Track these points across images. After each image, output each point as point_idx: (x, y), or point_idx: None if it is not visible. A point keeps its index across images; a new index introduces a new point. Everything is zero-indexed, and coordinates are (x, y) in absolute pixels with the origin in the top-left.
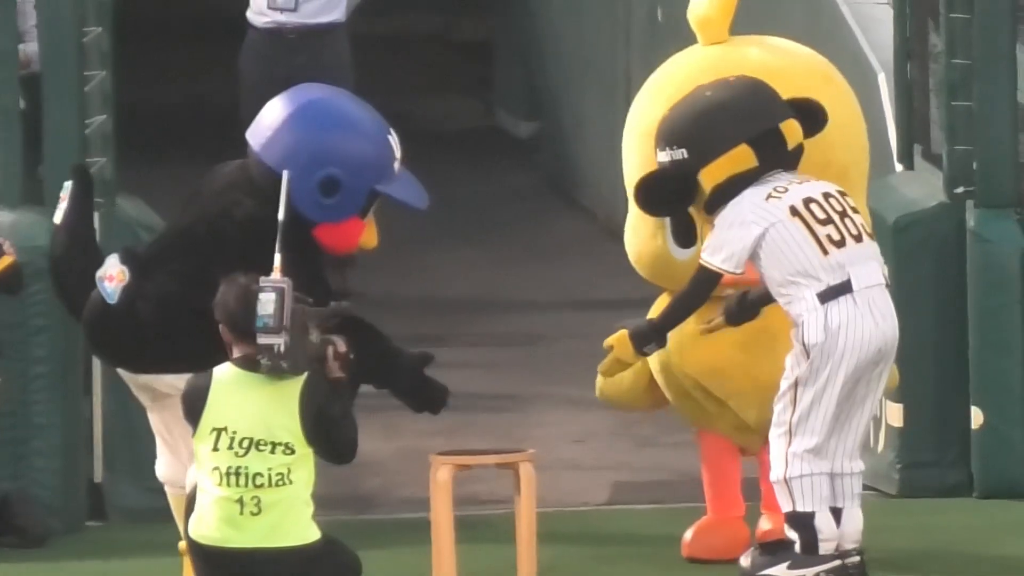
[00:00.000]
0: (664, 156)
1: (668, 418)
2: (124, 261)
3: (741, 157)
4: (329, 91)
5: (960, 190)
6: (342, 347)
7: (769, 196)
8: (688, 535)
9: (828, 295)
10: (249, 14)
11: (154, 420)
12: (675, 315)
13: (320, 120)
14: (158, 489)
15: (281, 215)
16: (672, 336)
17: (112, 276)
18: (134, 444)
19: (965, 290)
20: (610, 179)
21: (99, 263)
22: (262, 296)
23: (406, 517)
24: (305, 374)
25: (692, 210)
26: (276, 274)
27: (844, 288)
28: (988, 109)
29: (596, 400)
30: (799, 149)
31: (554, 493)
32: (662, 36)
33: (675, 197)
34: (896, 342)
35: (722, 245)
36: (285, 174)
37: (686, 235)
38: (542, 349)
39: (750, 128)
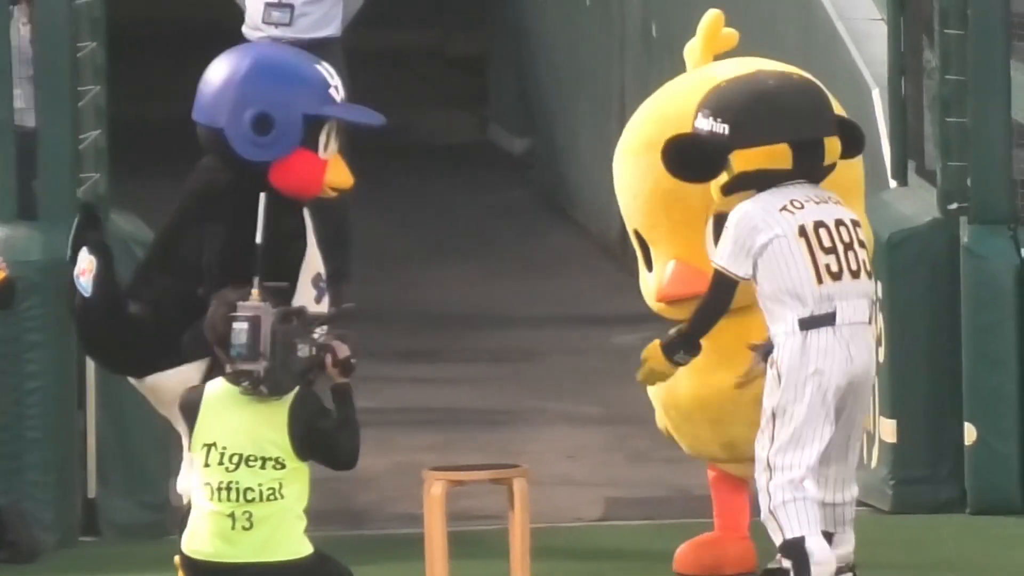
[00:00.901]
0: (704, 124)
1: (661, 434)
2: (92, 252)
3: (779, 155)
4: (250, 44)
5: (954, 206)
6: (343, 352)
7: (784, 208)
8: (681, 548)
9: (810, 323)
10: (245, 29)
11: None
12: (701, 323)
13: (239, 67)
14: (152, 505)
15: (259, 238)
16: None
17: (84, 270)
18: (128, 459)
19: (958, 306)
20: (603, 195)
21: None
22: (235, 326)
23: (399, 533)
24: (295, 389)
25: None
26: (254, 298)
27: (827, 319)
28: (982, 125)
29: (590, 416)
30: (832, 167)
31: (547, 509)
32: (656, 52)
33: (701, 165)
34: (869, 378)
35: (733, 249)
36: (263, 197)
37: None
38: (535, 364)
39: (797, 131)
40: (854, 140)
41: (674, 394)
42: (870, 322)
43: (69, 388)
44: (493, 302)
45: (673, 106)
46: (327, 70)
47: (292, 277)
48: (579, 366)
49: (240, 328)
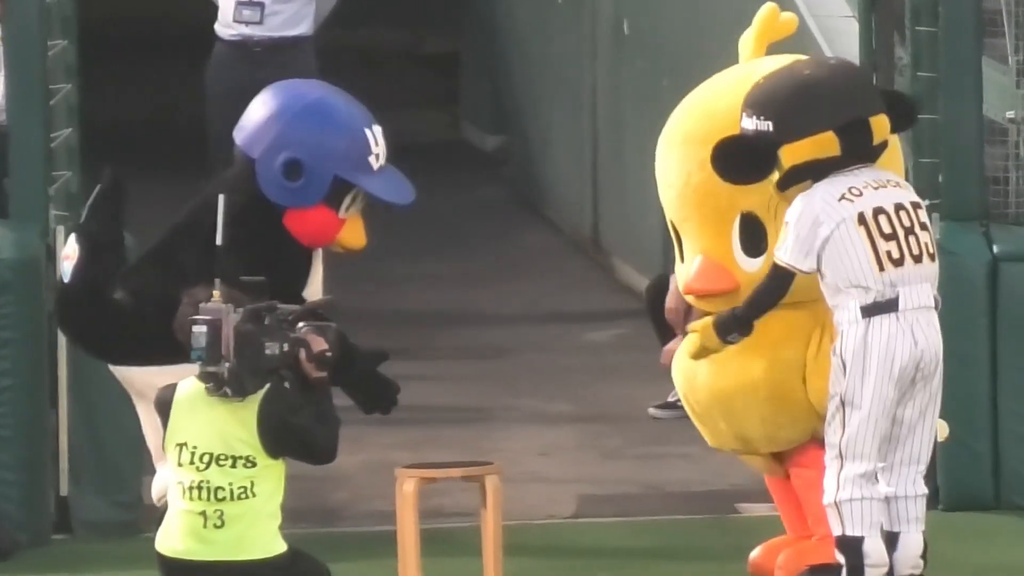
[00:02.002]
0: (749, 123)
1: (634, 431)
2: (78, 240)
3: (825, 143)
4: (311, 83)
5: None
6: (318, 346)
7: (843, 197)
8: (756, 552)
9: (872, 310)
10: (217, 26)
11: (143, 422)
12: (756, 309)
13: (292, 106)
14: (124, 503)
15: (219, 240)
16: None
17: (67, 255)
18: (100, 458)
19: None
20: (576, 192)
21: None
22: (195, 329)
23: (372, 530)
24: (265, 387)
25: (758, 213)
26: (216, 300)
27: (890, 306)
28: (954, 122)
29: (562, 413)
30: (884, 144)
31: (520, 506)
32: (628, 49)
33: (752, 166)
34: (938, 362)
35: (795, 243)
36: (221, 198)
37: (755, 243)
38: (508, 362)
39: (839, 116)
40: (903, 112)
41: (694, 386)
42: (936, 306)
43: (41, 386)
44: (466, 300)
45: (716, 101)
46: (375, 134)
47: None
48: (551, 363)
49: (199, 331)
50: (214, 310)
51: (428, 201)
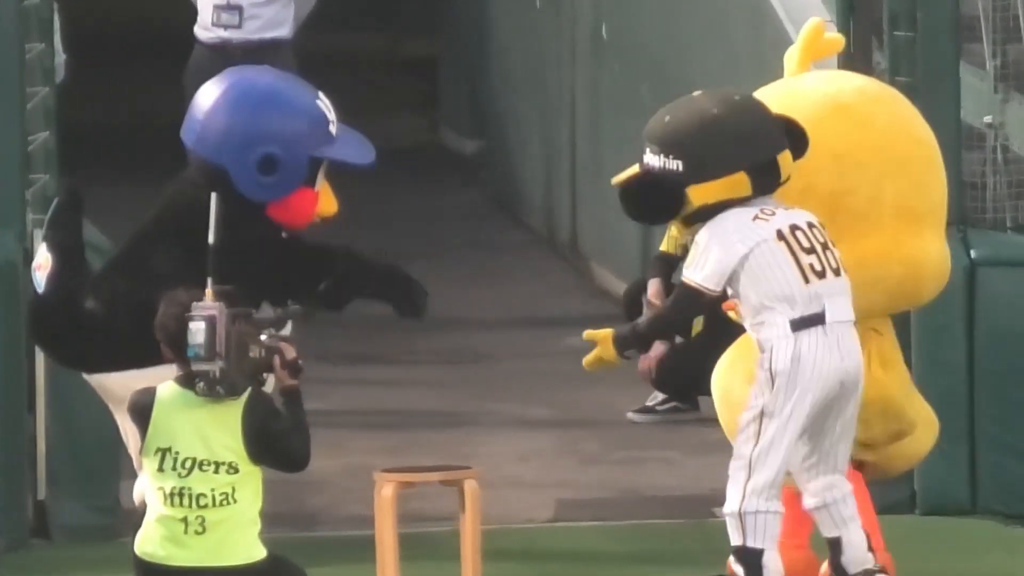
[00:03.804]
0: (656, 161)
1: (612, 436)
2: (50, 249)
3: (737, 184)
4: (250, 71)
5: None
6: (290, 354)
7: (756, 217)
8: None
9: (801, 324)
10: (196, 29)
11: (121, 429)
12: (655, 328)
13: (245, 101)
14: (102, 507)
15: (212, 239)
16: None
17: (40, 265)
18: (78, 462)
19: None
20: (554, 197)
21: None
22: (192, 326)
23: (350, 534)
24: (247, 392)
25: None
26: (209, 298)
27: (817, 319)
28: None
29: (541, 418)
30: (787, 179)
31: (498, 510)
32: (607, 54)
33: (661, 206)
34: (859, 379)
35: (705, 263)
36: (214, 197)
37: None
38: (486, 367)
39: (751, 157)
40: (798, 141)
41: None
42: (854, 322)
43: (19, 390)
44: (444, 304)
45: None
46: (324, 102)
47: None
48: (530, 368)
49: (197, 328)
50: (209, 307)
51: (406, 205)
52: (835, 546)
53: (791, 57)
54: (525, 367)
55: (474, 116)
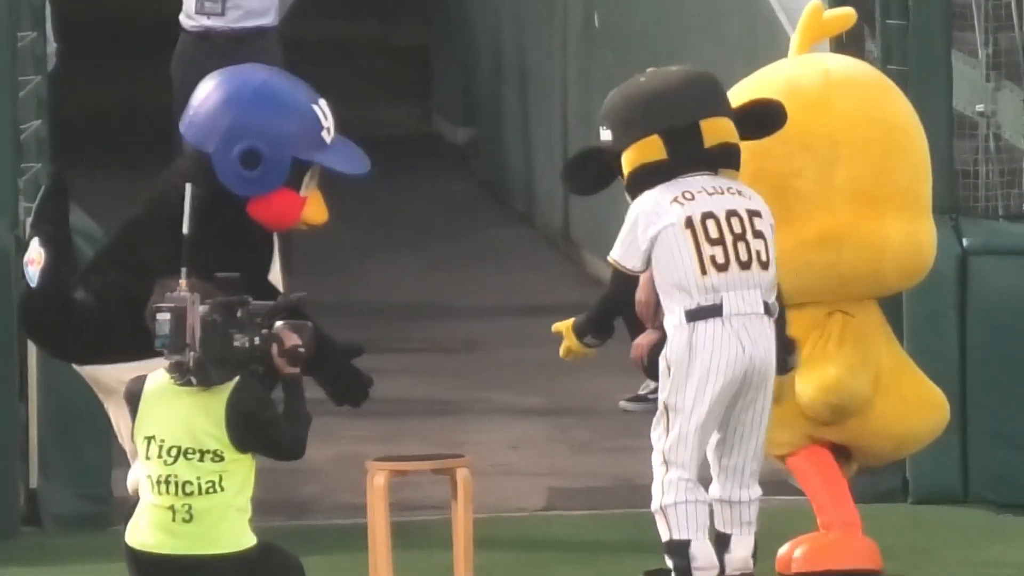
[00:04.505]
0: (603, 135)
1: (605, 424)
2: (43, 244)
3: (651, 147)
4: (251, 68)
5: None
6: (291, 341)
7: (675, 199)
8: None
9: (697, 315)
10: (181, 17)
11: (112, 419)
12: (599, 312)
13: (238, 94)
14: (93, 496)
15: (186, 229)
16: None
17: (33, 259)
18: (70, 450)
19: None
20: (546, 185)
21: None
22: (159, 316)
23: (342, 523)
24: (235, 380)
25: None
26: (182, 289)
27: (714, 311)
28: (924, 116)
29: (533, 406)
30: (726, 148)
31: (490, 499)
32: (599, 42)
33: (593, 176)
34: (768, 369)
35: (625, 244)
36: (189, 187)
37: None
38: (478, 355)
39: (661, 121)
40: (760, 121)
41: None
42: (768, 313)
43: (11, 379)
44: (436, 293)
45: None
46: (322, 109)
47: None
48: (522, 357)
49: (163, 319)
50: (179, 299)
51: (398, 194)
52: (723, 541)
53: (793, 39)
54: (517, 355)
55: (466, 105)
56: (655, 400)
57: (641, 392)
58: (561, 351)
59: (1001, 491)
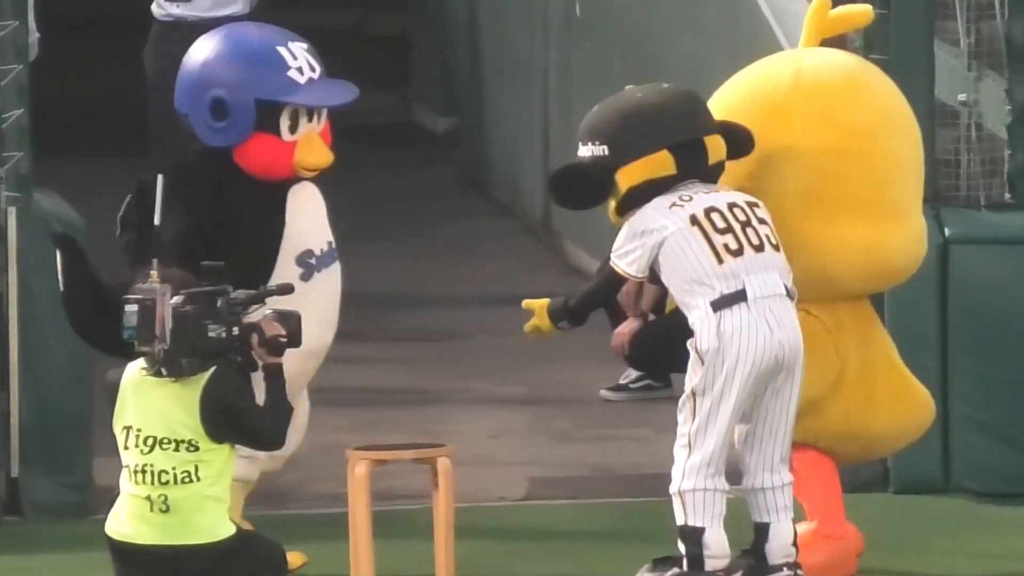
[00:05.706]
0: (585, 151)
1: (585, 414)
2: (56, 244)
3: (661, 163)
4: (225, 26)
5: None
6: (272, 330)
7: (673, 204)
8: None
9: (721, 303)
10: (152, 7)
11: None
12: (583, 304)
13: (201, 51)
14: (74, 484)
15: (157, 220)
16: None
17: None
18: (51, 439)
19: None
20: (526, 175)
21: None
22: (126, 308)
23: (323, 512)
24: (211, 370)
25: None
26: (153, 280)
27: (738, 297)
28: None
29: (513, 395)
30: (720, 166)
31: (471, 488)
32: (580, 31)
33: (589, 192)
34: (798, 352)
35: (628, 251)
36: (160, 177)
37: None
38: (458, 344)
39: (674, 135)
40: (738, 142)
41: None
42: (789, 295)
43: None
44: (416, 282)
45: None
46: (291, 50)
47: (267, 254)
48: (502, 346)
49: (130, 311)
50: (147, 290)
51: (378, 183)
52: (762, 532)
53: (800, 36)
54: (497, 345)
55: (446, 94)
56: (636, 389)
57: (622, 381)
58: (527, 327)
59: (982, 480)
